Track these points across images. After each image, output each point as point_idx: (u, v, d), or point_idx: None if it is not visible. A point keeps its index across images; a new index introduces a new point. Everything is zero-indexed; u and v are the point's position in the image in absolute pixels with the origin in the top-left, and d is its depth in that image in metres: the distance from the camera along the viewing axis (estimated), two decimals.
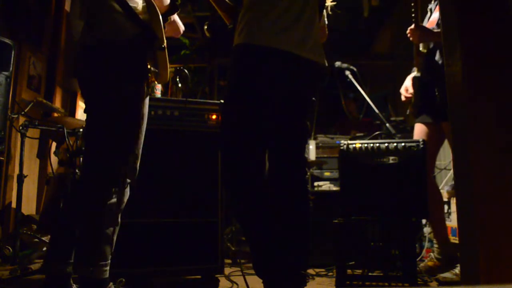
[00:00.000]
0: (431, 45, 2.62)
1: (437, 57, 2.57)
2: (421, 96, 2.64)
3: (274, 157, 1.78)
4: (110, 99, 1.79)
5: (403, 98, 2.76)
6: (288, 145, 1.78)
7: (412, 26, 2.55)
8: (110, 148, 1.77)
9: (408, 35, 2.57)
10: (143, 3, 1.83)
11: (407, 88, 2.72)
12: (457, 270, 2.42)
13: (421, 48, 2.63)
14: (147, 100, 1.92)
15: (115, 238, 1.77)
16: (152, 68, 1.88)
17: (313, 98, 1.84)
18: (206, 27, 1.97)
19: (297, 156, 1.79)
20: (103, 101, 1.80)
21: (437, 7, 2.65)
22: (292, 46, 1.69)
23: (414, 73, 2.80)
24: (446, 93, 1.42)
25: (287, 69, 1.71)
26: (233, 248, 3.09)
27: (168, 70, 1.92)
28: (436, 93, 2.55)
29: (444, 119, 2.52)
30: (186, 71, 2.53)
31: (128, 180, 1.83)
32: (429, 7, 2.80)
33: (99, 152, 1.79)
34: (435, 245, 2.60)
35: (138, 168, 1.86)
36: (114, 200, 1.75)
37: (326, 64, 1.85)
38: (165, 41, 1.85)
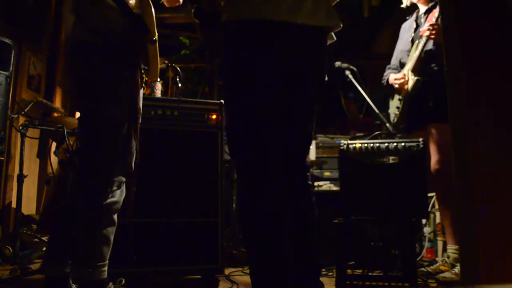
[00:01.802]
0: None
1: (433, 61, 2.62)
2: (415, 99, 2.67)
3: (278, 147, 1.52)
4: (101, 94, 1.75)
5: (397, 83, 2.79)
6: (294, 131, 1.57)
7: (436, 23, 2.53)
8: (103, 146, 1.75)
9: (433, 31, 2.53)
10: None
11: (404, 75, 2.75)
12: (456, 269, 2.42)
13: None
14: (141, 95, 1.89)
15: (112, 238, 1.76)
16: (142, 65, 1.86)
17: (323, 74, 1.58)
18: (193, 10, 1.89)
19: (302, 143, 1.59)
20: (94, 97, 1.77)
21: (429, 17, 2.72)
22: (283, 13, 1.44)
23: (390, 70, 2.90)
24: (442, 94, 1.42)
25: (280, 43, 1.45)
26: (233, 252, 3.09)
27: (159, 65, 1.89)
28: (429, 95, 2.61)
29: (433, 120, 2.57)
30: (178, 68, 2.50)
31: (124, 179, 1.82)
32: (414, 17, 2.88)
33: (93, 151, 1.76)
34: (451, 250, 2.57)
35: (133, 166, 1.84)
36: (110, 200, 1.74)
37: (341, 26, 1.56)
38: (156, 34, 1.83)
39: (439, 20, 2.54)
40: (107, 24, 1.75)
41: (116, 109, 1.75)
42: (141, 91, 1.90)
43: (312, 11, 1.48)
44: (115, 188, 1.77)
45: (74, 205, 1.77)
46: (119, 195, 1.78)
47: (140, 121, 1.85)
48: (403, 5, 2.91)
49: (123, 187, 1.81)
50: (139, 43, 1.80)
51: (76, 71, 1.83)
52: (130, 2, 1.78)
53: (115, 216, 1.77)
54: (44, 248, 2.83)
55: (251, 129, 1.50)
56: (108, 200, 1.73)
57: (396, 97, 2.89)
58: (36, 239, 2.92)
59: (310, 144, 1.64)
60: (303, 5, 1.46)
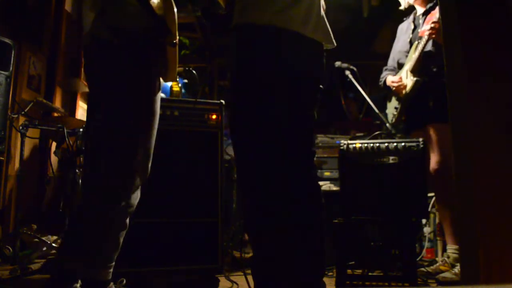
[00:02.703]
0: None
1: (432, 62, 2.62)
2: (415, 99, 2.68)
3: (281, 151, 1.58)
4: (118, 94, 1.72)
5: (395, 86, 2.80)
6: (295, 136, 1.62)
7: (438, 22, 2.53)
8: (119, 148, 1.71)
9: (433, 31, 2.53)
10: None
11: (401, 79, 2.76)
12: (456, 269, 2.42)
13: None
14: (158, 98, 1.87)
15: (121, 241, 1.75)
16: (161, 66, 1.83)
17: (321, 86, 1.67)
18: (201, 10, 1.88)
19: (303, 148, 1.63)
20: (110, 98, 1.74)
21: (427, 18, 2.74)
22: (295, 24, 1.52)
23: (387, 72, 2.92)
24: (441, 94, 1.42)
25: (291, 51, 1.54)
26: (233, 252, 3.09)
27: (177, 67, 1.87)
28: (429, 96, 2.63)
29: (433, 120, 2.59)
30: (194, 72, 2.52)
31: (140, 182, 1.79)
32: (412, 18, 2.89)
33: (108, 153, 1.73)
34: (451, 250, 2.57)
35: (149, 170, 1.82)
36: (123, 203, 1.74)
37: (335, 45, 1.67)
38: (177, 37, 1.80)
39: (437, 17, 2.54)
40: (128, 23, 1.73)
41: (131, 111, 1.73)
42: (159, 94, 1.88)
43: (315, 26, 1.59)
44: (130, 191, 1.76)
45: (85, 207, 1.76)
46: (133, 198, 1.78)
47: (156, 125, 1.83)
48: (401, 7, 2.92)
49: (138, 191, 1.80)
50: (159, 44, 1.77)
51: (94, 69, 1.79)
52: (153, 1, 1.74)
53: (127, 220, 1.77)
54: (44, 248, 2.84)
55: (257, 129, 1.53)
56: (123, 203, 1.73)
57: (393, 98, 2.89)
58: (36, 239, 2.92)
59: (313, 144, 1.69)
60: (309, 20, 1.56)
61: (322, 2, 1.69)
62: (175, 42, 1.78)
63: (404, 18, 2.99)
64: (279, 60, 1.53)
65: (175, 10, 1.79)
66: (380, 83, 3.00)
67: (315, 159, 1.67)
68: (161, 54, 1.80)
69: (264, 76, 1.53)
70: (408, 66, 2.73)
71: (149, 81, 1.76)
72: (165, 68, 1.83)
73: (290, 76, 1.55)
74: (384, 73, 2.97)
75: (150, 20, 1.73)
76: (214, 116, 2.40)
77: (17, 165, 3.19)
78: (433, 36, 2.56)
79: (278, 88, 1.54)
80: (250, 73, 1.55)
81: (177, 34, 1.80)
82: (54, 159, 3.31)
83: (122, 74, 1.72)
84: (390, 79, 2.84)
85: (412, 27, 2.85)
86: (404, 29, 2.94)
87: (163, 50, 1.79)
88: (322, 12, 1.66)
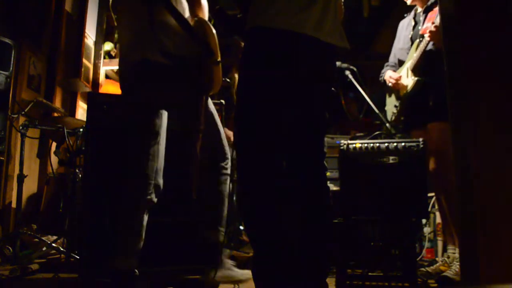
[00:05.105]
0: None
1: (434, 61, 2.61)
2: (415, 99, 2.67)
3: (293, 152, 1.65)
4: (168, 105, 2.05)
5: (392, 82, 2.79)
6: (307, 138, 1.66)
7: (436, 26, 2.51)
8: (149, 152, 2.03)
9: (432, 34, 2.52)
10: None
11: (400, 77, 2.76)
12: (455, 268, 2.41)
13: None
14: (208, 109, 2.10)
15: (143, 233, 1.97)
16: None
17: (333, 88, 1.73)
18: (215, 12, 1.96)
19: (315, 150, 1.67)
20: (151, 108, 2.04)
21: (429, 15, 2.72)
22: (309, 28, 1.55)
23: (388, 67, 2.91)
24: (442, 94, 1.42)
25: (303, 54, 1.57)
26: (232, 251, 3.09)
27: (221, 82, 2.05)
28: (430, 95, 2.61)
29: (432, 119, 2.58)
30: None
31: (161, 181, 2.05)
32: (413, 14, 2.87)
33: (138, 156, 2.04)
34: (452, 250, 2.57)
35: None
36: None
37: (349, 47, 1.70)
38: (219, 56, 1.96)
39: (437, 21, 2.53)
40: (178, 49, 1.96)
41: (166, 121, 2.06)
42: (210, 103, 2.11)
43: (331, 30, 1.61)
44: (150, 191, 1.98)
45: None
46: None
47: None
48: (408, 1, 2.86)
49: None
50: (205, 65, 1.97)
51: (140, 85, 2.03)
52: (196, 27, 1.95)
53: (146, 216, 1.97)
54: (44, 248, 2.84)
55: (267, 131, 1.56)
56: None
57: (393, 95, 2.88)
58: (36, 239, 2.92)
59: (323, 146, 1.71)
60: (324, 24, 1.59)
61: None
62: (219, 61, 1.96)
63: (405, 15, 2.96)
64: (292, 64, 1.56)
65: (215, 32, 1.96)
66: (380, 78, 2.98)
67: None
68: (206, 73, 1.98)
69: (277, 78, 1.55)
70: (409, 64, 2.71)
71: (195, 95, 1.99)
72: (209, 83, 2.01)
73: (303, 80, 1.59)
74: (385, 69, 2.95)
75: (196, 45, 1.93)
76: None
77: (17, 165, 3.19)
78: (434, 39, 2.54)
79: (291, 90, 1.57)
80: (263, 76, 1.57)
81: (219, 53, 1.96)
82: (54, 159, 3.31)
83: (172, 88, 2.00)
84: (389, 74, 2.82)
85: (413, 23, 2.82)
86: (405, 26, 2.91)
87: (209, 69, 1.97)
88: (338, 17, 1.69)
